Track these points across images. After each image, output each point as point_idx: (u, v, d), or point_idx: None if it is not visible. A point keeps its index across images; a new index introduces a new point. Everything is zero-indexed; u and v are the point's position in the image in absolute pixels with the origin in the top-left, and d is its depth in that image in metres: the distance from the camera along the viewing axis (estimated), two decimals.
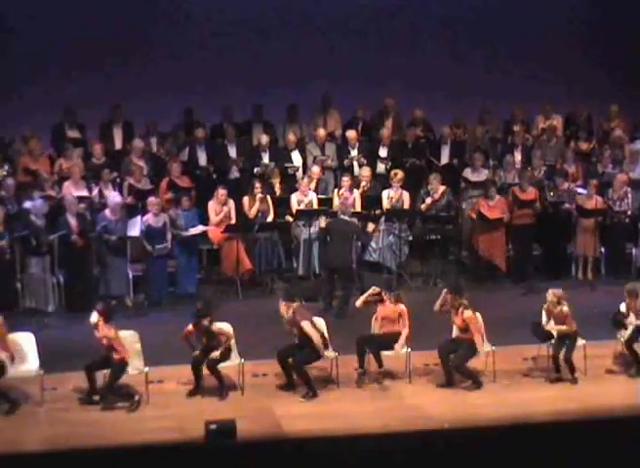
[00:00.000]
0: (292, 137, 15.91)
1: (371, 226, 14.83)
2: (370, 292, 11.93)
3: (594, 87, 17.43)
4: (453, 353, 11.49)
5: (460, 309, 11.51)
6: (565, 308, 11.67)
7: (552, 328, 11.66)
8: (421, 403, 11.13)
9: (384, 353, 11.69)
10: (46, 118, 15.80)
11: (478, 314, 11.78)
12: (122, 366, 10.92)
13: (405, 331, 11.61)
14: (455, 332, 11.66)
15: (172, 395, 11.25)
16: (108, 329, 10.93)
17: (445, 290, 11.74)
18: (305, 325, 11.22)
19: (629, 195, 15.23)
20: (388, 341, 11.65)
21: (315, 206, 14.87)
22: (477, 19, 17.97)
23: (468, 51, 17.92)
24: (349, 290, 13.68)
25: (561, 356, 11.61)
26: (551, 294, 11.73)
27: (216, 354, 11.12)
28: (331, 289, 13.83)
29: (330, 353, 11.51)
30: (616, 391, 11.30)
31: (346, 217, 14.06)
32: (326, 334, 11.54)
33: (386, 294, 11.78)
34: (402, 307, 11.72)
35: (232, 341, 11.30)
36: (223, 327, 11.34)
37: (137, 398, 10.94)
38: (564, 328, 11.63)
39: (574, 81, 17.58)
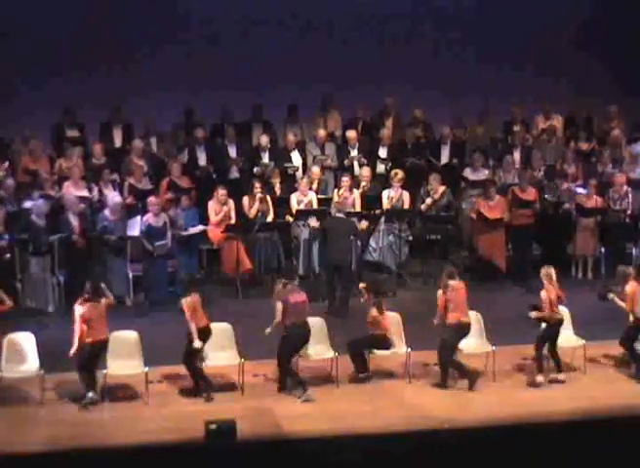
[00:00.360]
0: (291, 138, 15.90)
1: (364, 224, 14.73)
2: (360, 285, 11.98)
3: (594, 87, 17.43)
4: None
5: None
6: (542, 292, 11.60)
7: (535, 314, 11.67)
8: (421, 403, 11.13)
9: (385, 353, 11.70)
10: (46, 118, 15.81)
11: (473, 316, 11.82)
12: (93, 349, 10.91)
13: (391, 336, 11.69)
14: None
15: (172, 395, 11.25)
16: (84, 307, 10.93)
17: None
18: (278, 304, 11.28)
19: (630, 195, 15.23)
20: (374, 343, 11.68)
21: (315, 206, 14.86)
22: (477, 20, 17.97)
23: (468, 51, 17.90)
24: (349, 290, 13.68)
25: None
26: (542, 274, 11.71)
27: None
28: (333, 289, 13.83)
29: (328, 352, 11.57)
30: (616, 391, 11.30)
31: (342, 215, 14.05)
32: (325, 333, 11.60)
33: (368, 296, 11.78)
34: (374, 313, 11.69)
35: (192, 325, 11.12)
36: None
37: (90, 395, 10.86)
38: (541, 313, 11.58)
39: (574, 81, 17.58)
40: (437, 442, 7.02)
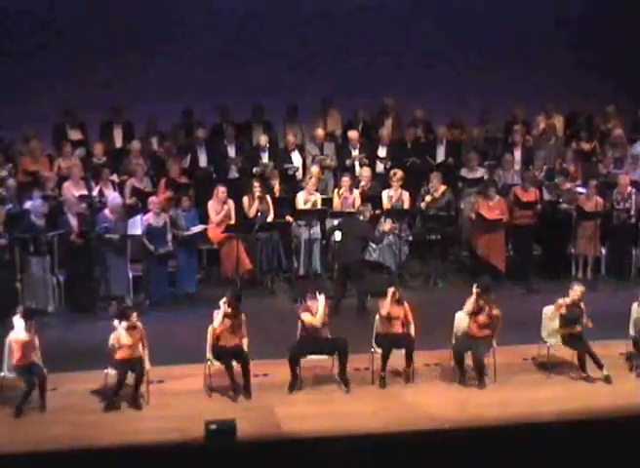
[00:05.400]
0: (291, 138, 15.88)
1: (387, 225, 14.68)
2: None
3: (594, 87, 17.44)
4: (469, 350, 11.53)
5: (488, 307, 11.57)
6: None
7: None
8: (422, 403, 11.13)
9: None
10: (47, 119, 15.81)
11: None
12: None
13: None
14: (473, 330, 11.61)
15: (172, 395, 11.24)
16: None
17: (476, 290, 11.67)
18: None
19: (633, 196, 15.17)
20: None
21: (320, 206, 14.85)
22: (477, 19, 17.98)
23: (469, 50, 17.91)
24: (360, 291, 13.69)
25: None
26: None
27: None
28: (342, 290, 13.81)
29: None
30: (616, 391, 11.30)
31: (362, 217, 14.02)
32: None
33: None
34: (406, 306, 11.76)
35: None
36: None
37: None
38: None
39: (573, 82, 17.59)
40: (437, 442, 7.02)
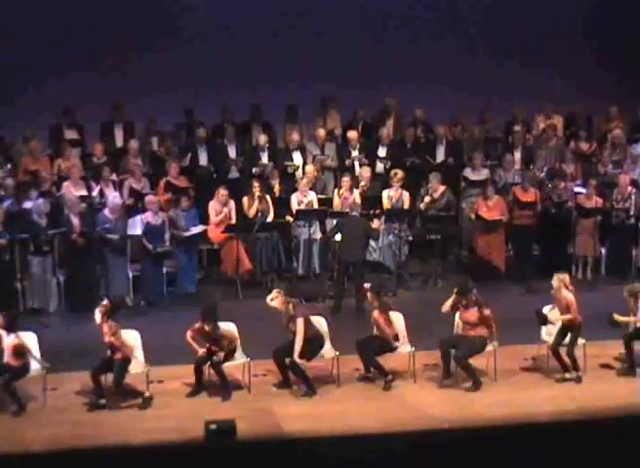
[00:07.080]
0: (295, 137, 15.86)
1: (376, 223, 14.68)
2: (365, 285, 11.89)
3: (594, 87, 17.44)
4: (454, 348, 11.46)
5: (478, 306, 11.48)
6: (569, 295, 11.61)
7: (557, 317, 11.63)
8: (422, 403, 11.13)
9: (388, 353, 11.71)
10: (46, 118, 15.82)
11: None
12: (123, 364, 10.90)
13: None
14: (462, 330, 11.58)
15: (172, 395, 11.25)
16: (109, 327, 10.90)
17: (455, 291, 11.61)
18: (299, 322, 11.21)
19: (633, 196, 15.17)
20: (375, 345, 11.65)
21: (315, 206, 14.85)
22: (478, 19, 17.99)
23: (469, 50, 17.92)
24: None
25: (563, 351, 11.61)
26: (556, 279, 11.69)
27: (220, 355, 11.09)
28: (341, 289, 13.82)
29: (329, 352, 11.55)
30: (616, 391, 11.31)
31: (357, 214, 14.04)
32: (326, 333, 11.59)
33: (372, 297, 11.73)
34: (376, 315, 11.65)
35: (237, 343, 11.32)
36: (228, 329, 11.32)
37: (147, 395, 10.92)
38: (567, 316, 11.59)
39: (574, 81, 17.59)
40: (437, 442, 7.01)
